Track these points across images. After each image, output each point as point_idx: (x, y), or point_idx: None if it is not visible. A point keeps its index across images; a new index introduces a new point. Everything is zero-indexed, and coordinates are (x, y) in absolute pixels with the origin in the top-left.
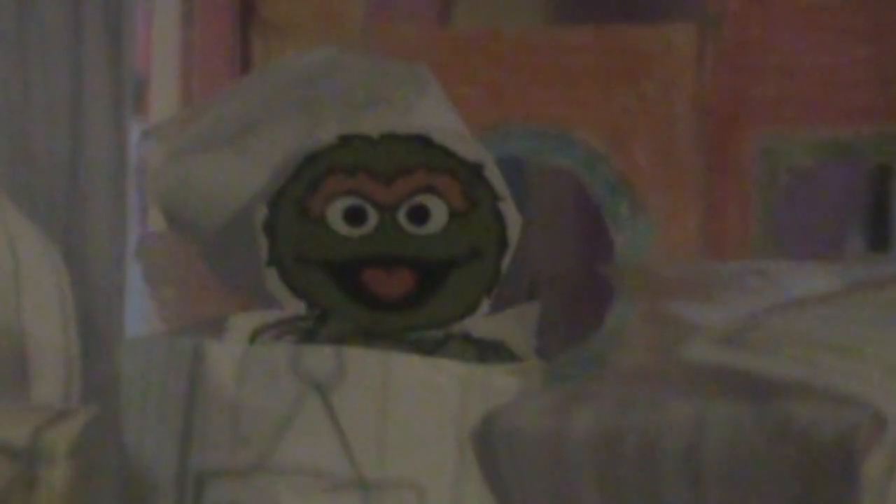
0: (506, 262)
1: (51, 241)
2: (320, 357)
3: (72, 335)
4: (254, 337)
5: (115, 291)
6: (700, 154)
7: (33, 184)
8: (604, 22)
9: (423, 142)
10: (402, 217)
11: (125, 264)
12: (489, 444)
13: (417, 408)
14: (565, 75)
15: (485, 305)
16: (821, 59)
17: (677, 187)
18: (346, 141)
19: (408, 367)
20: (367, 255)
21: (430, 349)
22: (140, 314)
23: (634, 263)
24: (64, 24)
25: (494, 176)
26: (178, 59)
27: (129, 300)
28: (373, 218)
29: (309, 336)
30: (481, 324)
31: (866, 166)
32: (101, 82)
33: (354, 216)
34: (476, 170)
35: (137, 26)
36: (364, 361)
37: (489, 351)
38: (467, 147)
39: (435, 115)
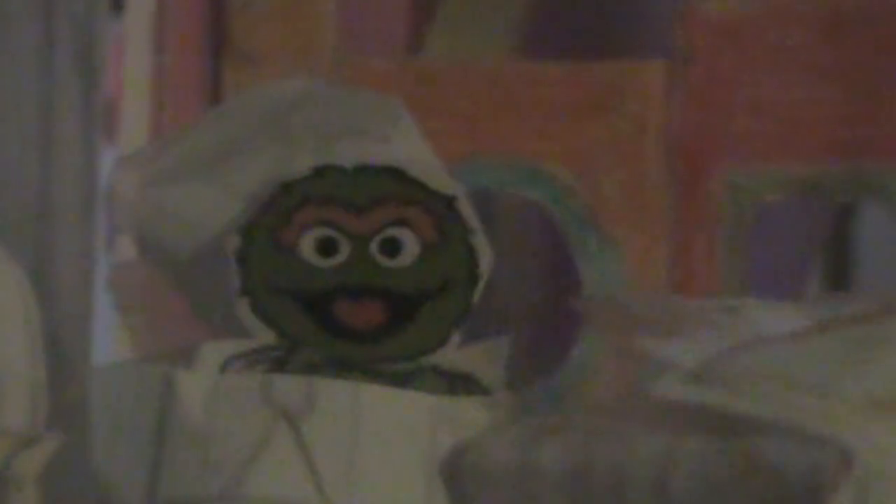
0: (477, 295)
1: (19, 268)
2: (291, 387)
3: (38, 362)
4: (224, 366)
5: (82, 318)
6: (669, 189)
7: (2, 210)
8: (574, 57)
9: (395, 174)
10: (374, 249)
11: (93, 291)
12: (459, 476)
13: (387, 439)
14: (535, 109)
15: (455, 338)
16: (789, 96)
17: (646, 222)
18: (319, 172)
19: (378, 399)
20: (339, 286)
21: (400, 381)
22: (108, 341)
23: (603, 297)
24: (34, 52)
25: (466, 209)
26: (149, 87)
27: (97, 327)
28: (345, 249)
29: (279, 366)
30: (452, 356)
31: (830, 204)
32: (72, 110)
33: (326, 247)
34: (448, 202)
35: (109, 54)
36: (334, 392)
37: (459, 383)
38: (440, 180)
39: (408, 148)
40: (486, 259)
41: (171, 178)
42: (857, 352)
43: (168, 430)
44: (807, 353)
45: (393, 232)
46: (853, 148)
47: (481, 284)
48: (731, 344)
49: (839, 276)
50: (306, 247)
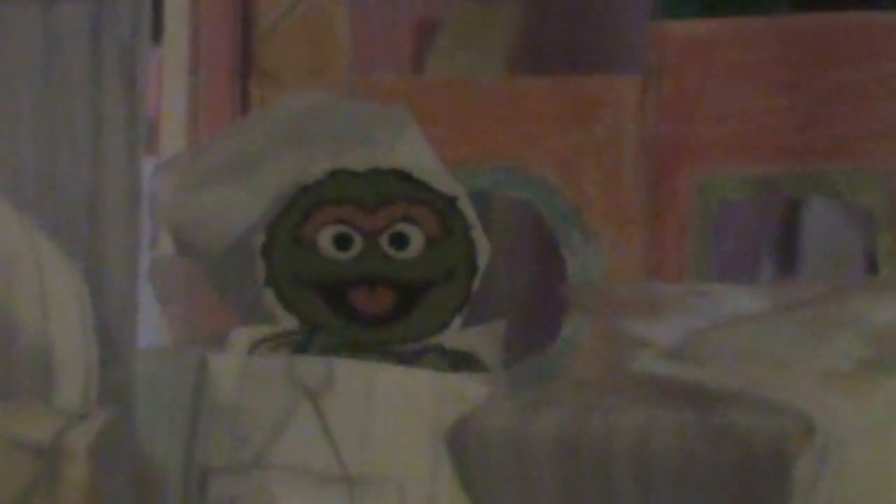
0: (476, 283)
1: (73, 263)
2: (311, 367)
3: (91, 346)
4: (252, 349)
5: (129, 307)
6: (643, 189)
7: (59, 213)
8: (559, 73)
9: (403, 176)
10: (384, 243)
11: (138, 283)
12: (461, 444)
13: (397, 412)
14: (525, 119)
15: (457, 321)
16: (747, 106)
17: (623, 218)
18: (335, 175)
19: (389, 376)
20: (353, 277)
21: (408, 360)
22: (151, 328)
23: (587, 284)
24: (85, 74)
25: (466, 207)
26: (185, 103)
27: (142, 315)
28: (358, 244)
29: (301, 348)
30: (454, 337)
31: (780, 200)
32: (118, 123)
33: (342, 242)
34: (450, 201)
35: (150, 74)
36: (350, 371)
37: (461, 362)
38: (443, 181)
39: (414, 153)
40: (483, 251)
41: (203, 182)
42: (814, 330)
43: (202, 406)
44: (770, 332)
45: (401, 228)
46: (803, 151)
47: (480, 274)
48: (702, 324)
49: (788, 263)
50: (324, 242)
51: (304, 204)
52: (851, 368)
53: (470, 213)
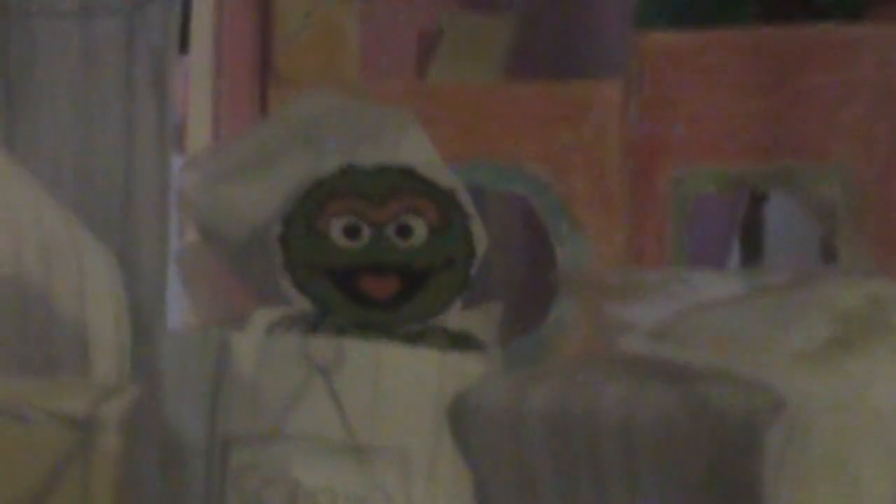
0: (474, 269)
1: (108, 251)
2: (324, 346)
3: (124, 327)
4: (270, 329)
5: (158, 291)
6: (626, 184)
7: (95, 205)
8: (549, 78)
9: (407, 172)
10: (390, 233)
11: (167, 269)
12: (461, 418)
13: (402, 387)
14: (518, 120)
15: (457, 304)
16: (720, 109)
17: (607, 210)
18: (345, 171)
19: (395, 355)
20: (362, 264)
21: (412, 340)
22: (178, 310)
23: (575, 271)
24: (120, 79)
25: (465, 200)
26: (209, 106)
27: (171, 298)
28: (366, 233)
29: (315, 328)
30: (454, 319)
31: (748, 193)
32: (149, 124)
33: (352, 232)
34: (450, 195)
35: (178, 80)
36: (359, 350)
37: (460, 341)
38: (443, 176)
39: (417, 151)
40: (481, 241)
41: (226, 177)
42: (783, 314)
43: (224, 381)
44: (743, 315)
45: (405, 219)
46: (771, 150)
47: (477, 261)
48: (681, 307)
49: (755, 251)
50: (335, 232)
51: (317, 197)
52: (818, 348)
53: (468, 206)
